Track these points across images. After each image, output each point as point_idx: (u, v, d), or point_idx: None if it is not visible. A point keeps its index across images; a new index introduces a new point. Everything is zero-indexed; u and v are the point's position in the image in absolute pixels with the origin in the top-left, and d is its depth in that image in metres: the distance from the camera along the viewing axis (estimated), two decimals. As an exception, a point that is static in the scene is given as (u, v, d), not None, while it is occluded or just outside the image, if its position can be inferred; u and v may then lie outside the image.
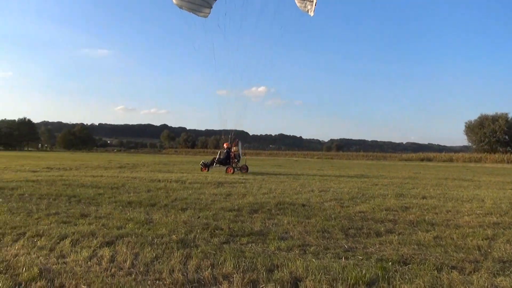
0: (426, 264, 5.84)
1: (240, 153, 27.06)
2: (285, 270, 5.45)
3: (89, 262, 5.67)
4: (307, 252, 6.53)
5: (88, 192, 13.12)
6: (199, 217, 9.35)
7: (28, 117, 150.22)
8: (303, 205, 11.43)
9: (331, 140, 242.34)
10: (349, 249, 6.75)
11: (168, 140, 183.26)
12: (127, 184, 16.12)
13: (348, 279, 5.15)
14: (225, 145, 27.00)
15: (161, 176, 20.67)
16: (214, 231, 7.82)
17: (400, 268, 5.69)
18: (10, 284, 4.70)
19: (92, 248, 6.33)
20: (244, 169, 26.24)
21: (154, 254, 6.07)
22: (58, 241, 6.75)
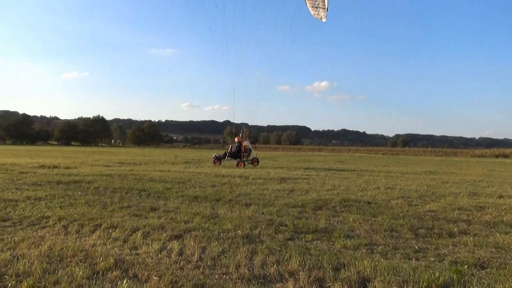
0: (507, 269, 5.44)
1: (251, 147, 27.80)
2: (352, 270, 5.33)
3: (159, 254, 5.89)
4: (374, 251, 6.34)
5: (157, 187, 13.68)
6: (263, 212, 9.41)
7: (101, 114, 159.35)
8: (369, 203, 11.12)
9: (396, 135, 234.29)
10: (420, 250, 6.46)
11: (231, 135, 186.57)
12: (193, 179, 16.61)
13: (419, 281, 4.92)
14: (236, 139, 27.50)
15: (225, 172, 21.08)
16: (279, 227, 7.82)
17: (477, 272, 5.35)
18: (89, 272, 4.99)
19: (162, 241, 6.57)
20: (256, 162, 26.86)
21: (220, 249, 6.19)
22: (130, 233, 7.08)
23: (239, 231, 7.34)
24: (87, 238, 6.77)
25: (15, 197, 10.57)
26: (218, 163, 27.05)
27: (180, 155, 49.77)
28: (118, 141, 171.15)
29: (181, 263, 5.54)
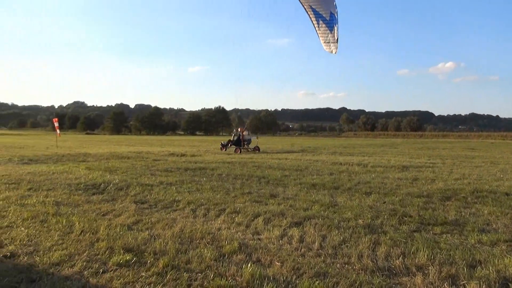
0: None
1: (251, 137, 31.85)
2: (490, 268, 4.80)
3: (280, 241, 5.99)
4: (517, 249, 5.64)
5: (275, 174, 13.97)
6: (384, 202, 9.01)
7: (222, 105, 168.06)
8: (507, 194, 9.96)
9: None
10: None
11: (347, 123, 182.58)
12: (310, 167, 16.61)
13: None
14: (239, 130, 31.20)
15: (342, 159, 20.70)
16: (403, 218, 7.41)
17: None
18: (216, 254, 5.28)
19: (283, 227, 6.67)
20: (257, 149, 30.05)
21: (341, 238, 6.07)
22: (252, 218, 7.33)
23: (360, 221, 7.12)
24: (213, 221, 7.18)
25: (150, 182, 11.67)
26: (224, 149, 30.27)
27: (296, 143, 50.30)
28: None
29: (302, 250, 5.56)
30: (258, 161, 19.49)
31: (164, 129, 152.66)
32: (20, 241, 5.73)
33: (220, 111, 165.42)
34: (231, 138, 31.24)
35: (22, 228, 6.42)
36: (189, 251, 5.38)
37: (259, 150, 30.12)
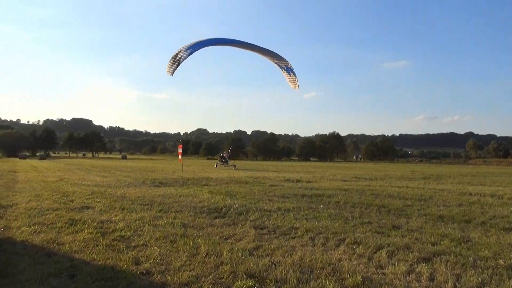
0: None
1: (227, 159, 45.97)
2: None
3: (407, 277, 5.57)
4: None
5: (396, 203, 13.21)
6: (529, 240, 7.89)
7: (336, 131, 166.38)
8: None
9: None
10: None
11: (475, 149, 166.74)
12: (435, 197, 15.42)
13: None
14: (224, 153, 47.84)
15: (472, 189, 18.84)
16: (555, 260, 6.39)
17: None
18: (338, 287, 5.09)
19: (409, 263, 6.21)
20: (233, 167, 42.97)
21: (479, 279, 5.43)
22: (374, 250, 6.96)
23: (500, 261, 6.32)
24: (332, 251, 6.99)
25: (268, 207, 11.87)
26: (215, 166, 44.22)
27: (417, 170, 47.26)
28: (360, 156, 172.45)
29: (433, 290, 5.09)
30: (377, 189, 18.69)
31: (279, 154, 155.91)
32: (153, 260, 6.20)
33: (334, 136, 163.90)
34: (220, 155, 47.96)
35: (155, 247, 6.96)
36: (310, 281, 5.28)
37: (235, 167, 43.19)
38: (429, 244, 7.43)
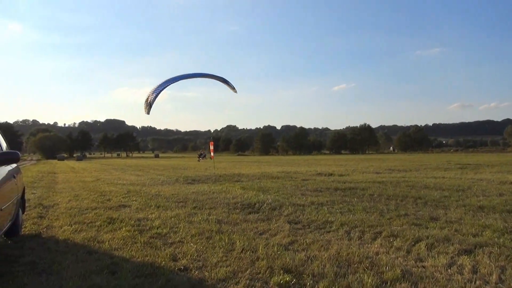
0: None
1: (206, 154, 57.73)
2: None
3: (449, 270, 5.41)
4: None
5: (433, 194, 12.89)
6: None
7: (367, 122, 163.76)
8: None
9: None
10: None
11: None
12: (473, 187, 14.96)
13: None
14: (201, 150, 62.10)
15: (513, 178, 18.16)
16: None
17: None
18: (377, 281, 5.00)
19: (450, 255, 6.03)
20: (210, 158, 48.80)
21: (525, 271, 5.22)
22: (412, 243, 6.81)
23: (547, 251, 6.05)
24: (369, 245, 6.88)
25: (302, 202, 11.81)
26: (198, 160, 55.90)
27: (453, 160, 45.96)
28: (395, 148, 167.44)
29: (477, 282, 4.92)
30: (412, 180, 18.29)
31: (310, 148, 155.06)
32: (190, 256, 6.27)
33: (365, 128, 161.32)
34: (199, 153, 65.53)
35: (191, 244, 7.04)
36: (348, 276, 5.21)
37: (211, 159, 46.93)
38: (470, 236, 7.21)
